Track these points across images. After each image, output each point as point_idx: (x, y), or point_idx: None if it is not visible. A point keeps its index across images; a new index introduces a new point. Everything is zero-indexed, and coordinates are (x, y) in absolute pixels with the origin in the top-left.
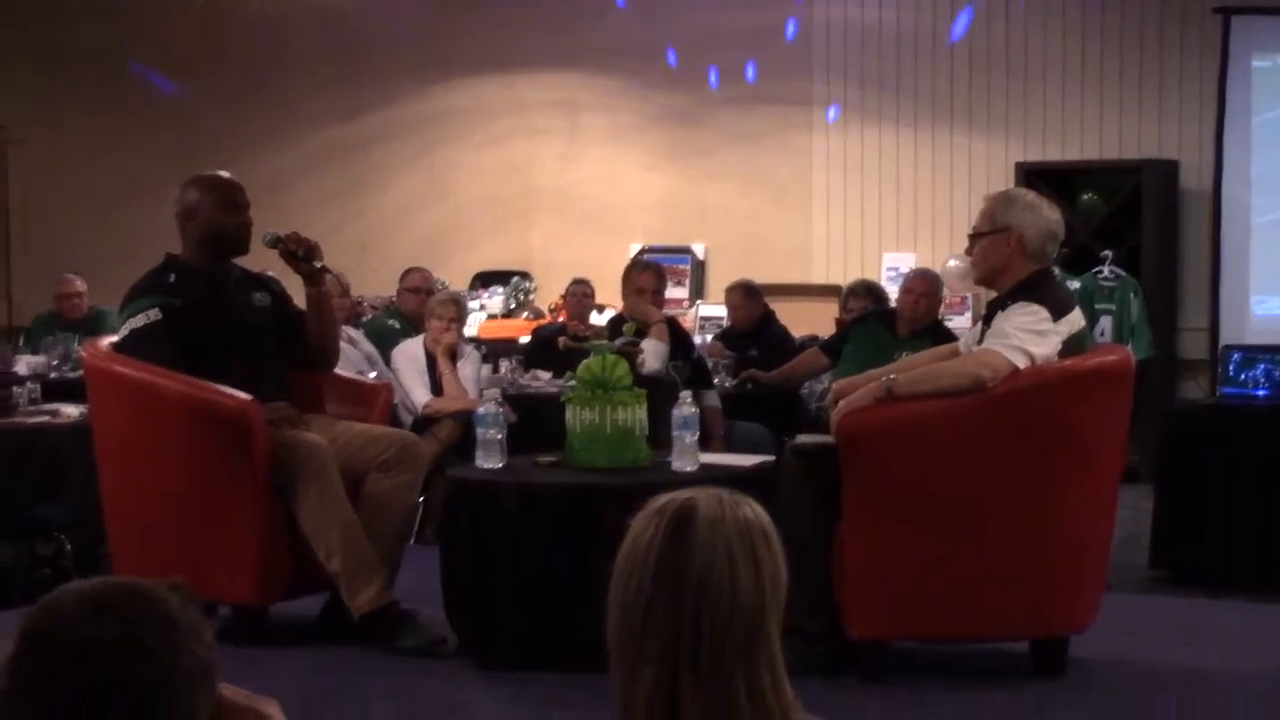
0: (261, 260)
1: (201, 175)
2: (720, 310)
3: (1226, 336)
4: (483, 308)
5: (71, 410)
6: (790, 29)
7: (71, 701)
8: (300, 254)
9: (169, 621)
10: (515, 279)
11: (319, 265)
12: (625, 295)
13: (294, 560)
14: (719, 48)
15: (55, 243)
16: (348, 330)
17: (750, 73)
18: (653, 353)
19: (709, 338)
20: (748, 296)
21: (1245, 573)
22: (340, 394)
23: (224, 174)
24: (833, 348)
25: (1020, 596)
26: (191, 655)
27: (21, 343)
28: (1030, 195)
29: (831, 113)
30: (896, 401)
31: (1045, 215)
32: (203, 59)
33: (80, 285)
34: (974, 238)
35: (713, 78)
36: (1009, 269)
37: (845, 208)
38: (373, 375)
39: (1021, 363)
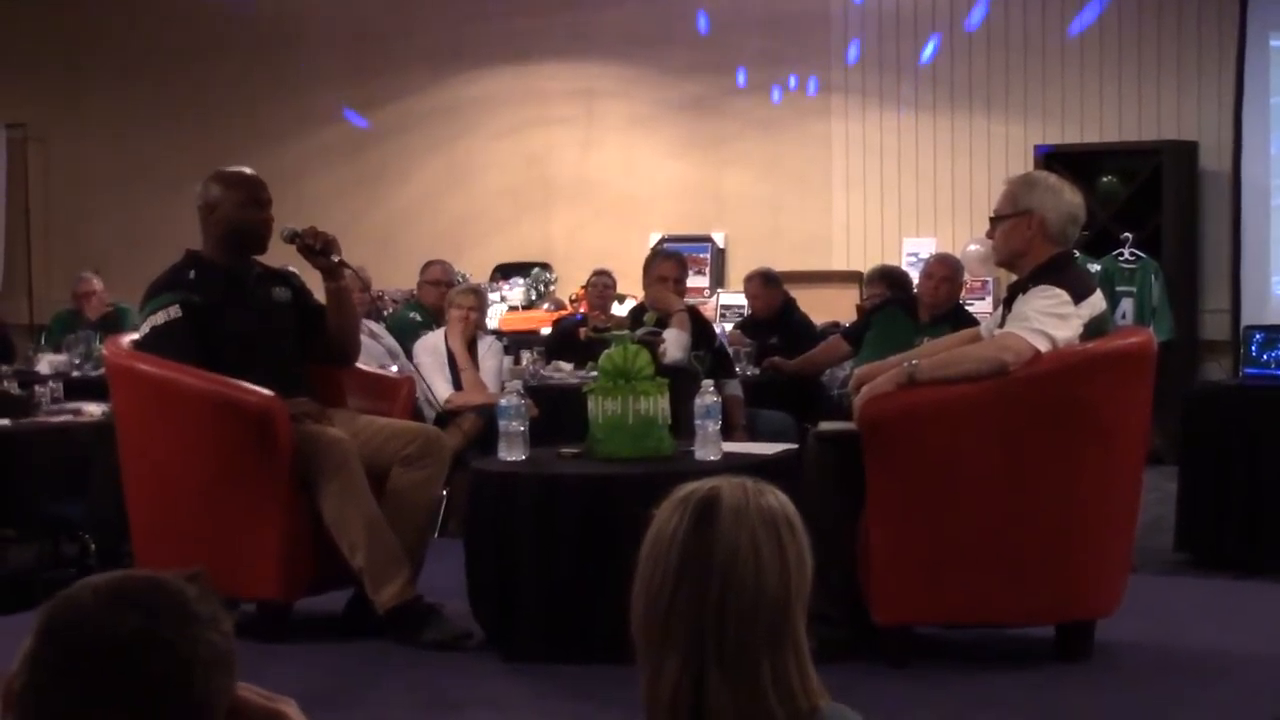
0: (281, 255)
1: (224, 171)
2: (741, 299)
3: (1248, 317)
4: (503, 299)
5: (94, 409)
6: (808, 13)
7: (90, 692)
8: (318, 248)
9: (187, 612)
10: (535, 270)
11: (337, 260)
12: (647, 284)
13: (318, 556)
14: (735, 33)
15: (76, 240)
16: (369, 324)
17: (768, 58)
18: (674, 342)
19: (728, 327)
20: (766, 285)
21: (1270, 554)
22: (362, 388)
23: (246, 170)
24: (854, 335)
25: (1045, 580)
26: (210, 646)
27: (43, 341)
28: (1052, 178)
29: (852, 51)
30: (919, 387)
31: (1067, 198)
32: (221, 52)
33: (97, 284)
34: (995, 220)
35: (730, 64)
36: (1030, 252)
37: (865, 194)
38: (394, 369)
39: (1043, 346)
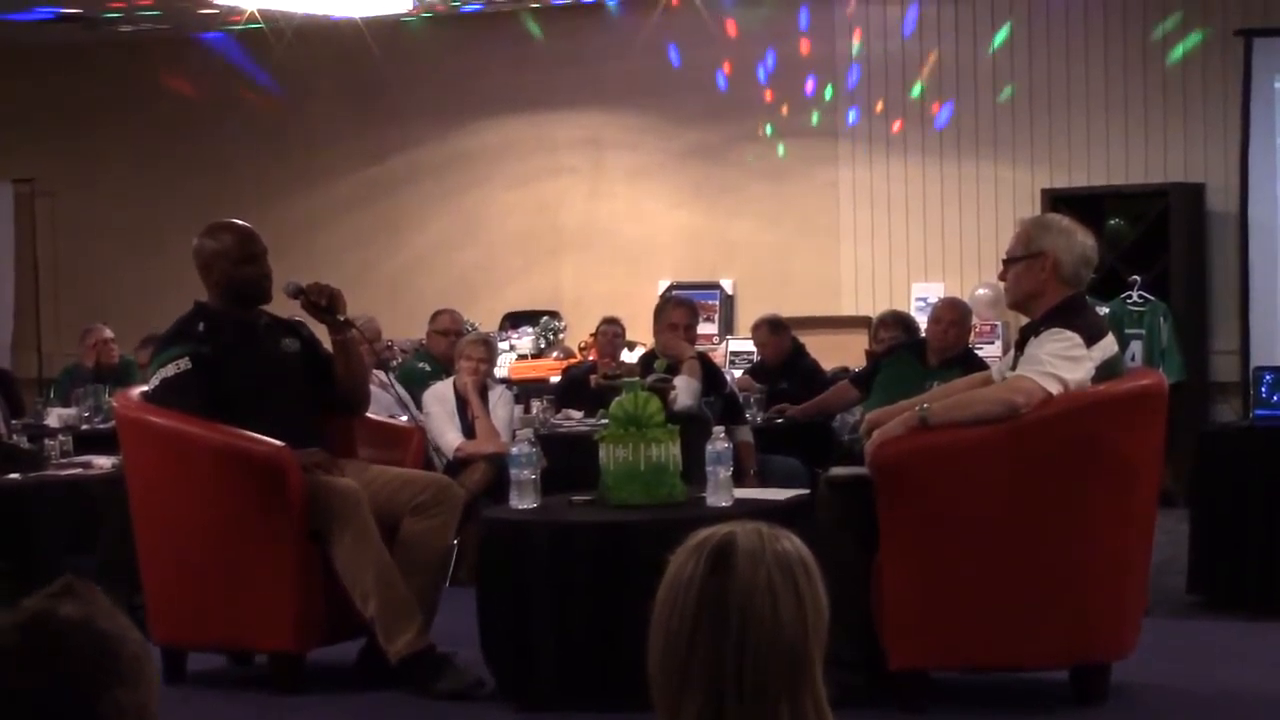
0: (288, 305)
1: (215, 225)
2: (751, 345)
3: (1258, 358)
4: (512, 348)
5: (104, 461)
6: (814, 61)
7: None
8: (323, 304)
9: (107, 669)
10: (545, 319)
11: (342, 319)
12: (657, 331)
13: (330, 606)
14: (744, 82)
15: (85, 295)
16: (378, 374)
17: (775, 107)
18: (685, 389)
19: (738, 373)
20: (773, 332)
21: None
22: (373, 438)
23: (237, 222)
24: (863, 379)
25: (1060, 623)
26: (122, 708)
27: (51, 394)
28: (1065, 220)
29: (852, 115)
30: (930, 430)
31: (1080, 240)
32: (229, 104)
33: (109, 333)
34: (1008, 262)
35: (737, 112)
36: (1043, 294)
37: (873, 239)
38: (404, 418)
39: (1054, 389)
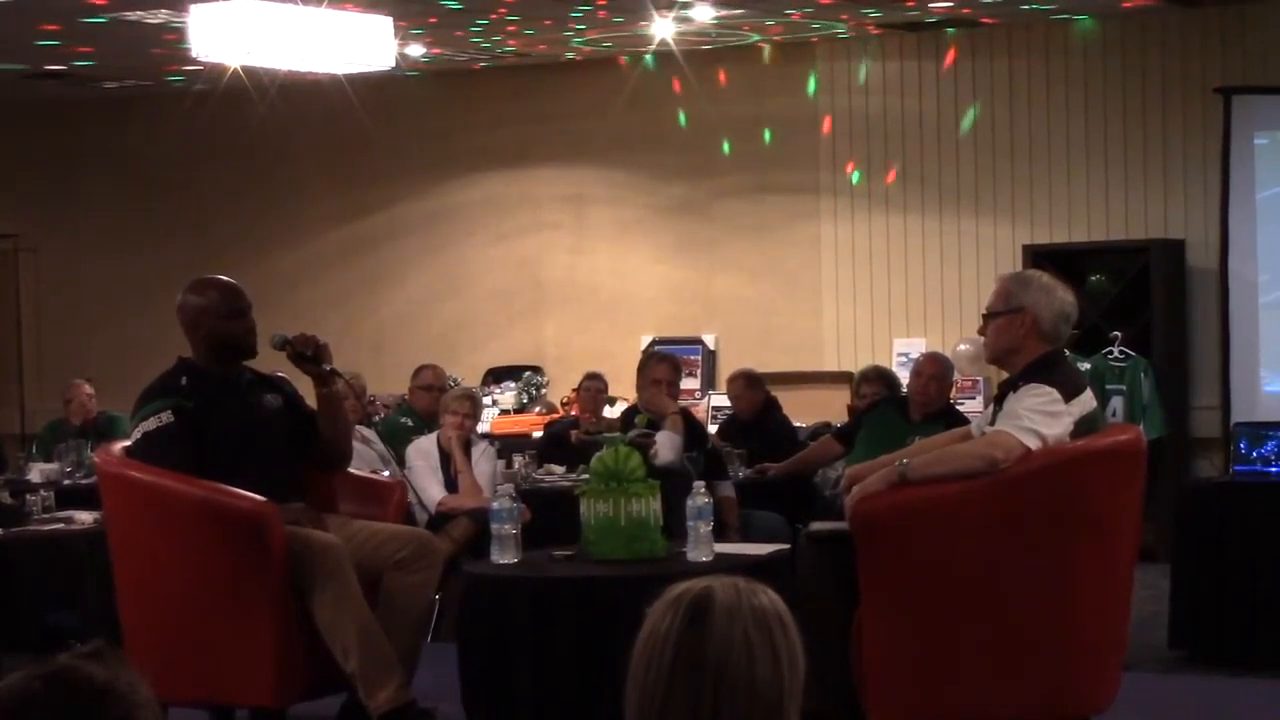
0: (272, 361)
1: (200, 281)
2: None
3: (1238, 414)
4: (495, 403)
5: (85, 517)
6: (798, 119)
7: None
8: (309, 355)
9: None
10: (527, 374)
11: (328, 369)
12: (641, 387)
13: (311, 660)
14: (725, 138)
15: (67, 351)
16: (361, 429)
17: (757, 163)
18: (666, 444)
19: (713, 429)
20: (749, 386)
21: (1267, 651)
22: (355, 493)
23: (222, 278)
24: (846, 435)
25: (1040, 677)
26: None
27: (34, 450)
28: (1045, 277)
29: (834, 171)
30: (910, 486)
31: (1059, 296)
32: (212, 161)
33: (87, 389)
34: (988, 317)
35: (719, 168)
36: (1022, 349)
37: (855, 295)
38: (386, 474)
39: (1033, 444)
